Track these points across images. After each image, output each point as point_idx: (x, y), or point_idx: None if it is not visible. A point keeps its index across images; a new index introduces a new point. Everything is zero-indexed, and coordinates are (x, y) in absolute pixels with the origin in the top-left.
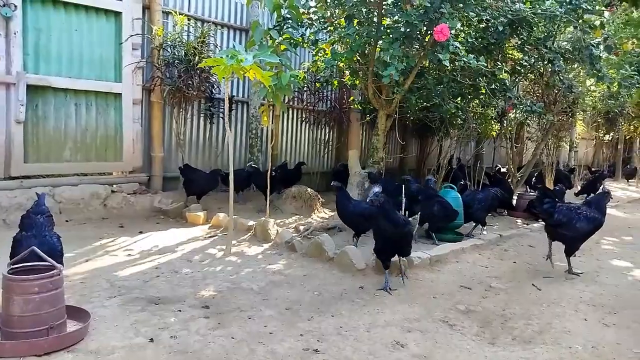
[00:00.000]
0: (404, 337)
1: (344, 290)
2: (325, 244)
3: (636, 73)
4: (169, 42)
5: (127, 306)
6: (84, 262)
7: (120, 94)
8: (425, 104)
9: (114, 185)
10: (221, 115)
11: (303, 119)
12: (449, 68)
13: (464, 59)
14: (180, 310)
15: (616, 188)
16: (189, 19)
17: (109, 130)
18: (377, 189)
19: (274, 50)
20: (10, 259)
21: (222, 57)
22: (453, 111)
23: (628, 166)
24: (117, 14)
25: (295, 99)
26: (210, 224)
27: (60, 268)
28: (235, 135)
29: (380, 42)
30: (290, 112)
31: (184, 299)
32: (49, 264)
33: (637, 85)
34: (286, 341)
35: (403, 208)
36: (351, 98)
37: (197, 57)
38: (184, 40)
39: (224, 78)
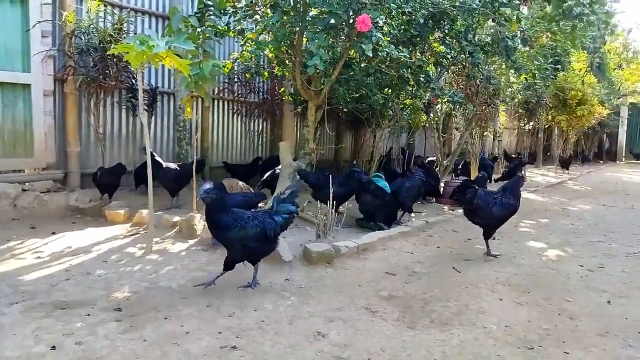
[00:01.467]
0: (326, 327)
1: (270, 284)
2: None
3: (552, 65)
4: (82, 29)
5: (30, 312)
6: None
7: (29, 85)
8: (354, 95)
9: (26, 184)
10: (145, 107)
11: (235, 110)
12: (374, 59)
13: (387, 49)
14: (89, 315)
15: (536, 174)
16: (105, 5)
17: (17, 124)
18: (207, 185)
19: (193, 37)
20: None
21: (132, 43)
22: (382, 102)
23: (549, 153)
24: None
25: (226, 90)
26: (133, 222)
27: None
28: (162, 128)
29: (306, 32)
30: (221, 103)
31: (94, 302)
32: None
33: (552, 77)
34: (203, 340)
35: (331, 198)
36: (282, 89)
37: (113, 45)
38: (99, 27)
39: (138, 66)
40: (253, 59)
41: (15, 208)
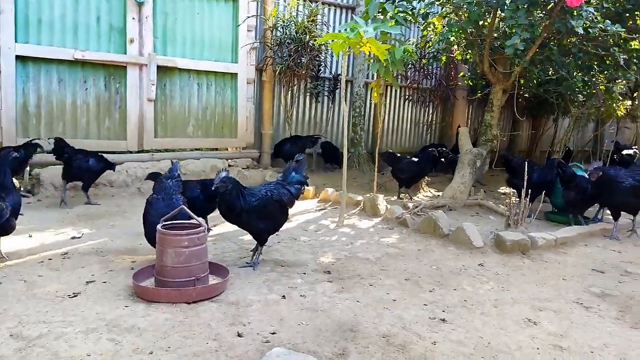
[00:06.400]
0: (536, 315)
1: (463, 266)
2: (440, 221)
3: None
4: (281, 23)
5: (257, 266)
6: (211, 226)
7: (236, 74)
8: (549, 77)
9: (230, 160)
10: (326, 94)
11: (406, 97)
12: (575, 37)
13: (600, 25)
14: (305, 273)
15: None
16: None
17: (225, 109)
18: (223, 173)
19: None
20: (143, 218)
21: (340, 32)
22: (580, 85)
23: None
24: None
25: (400, 76)
26: (319, 198)
27: (205, 226)
28: (339, 114)
29: (501, 11)
30: (393, 90)
31: (306, 264)
32: (195, 222)
33: None
34: (411, 309)
35: (524, 187)
36: (461, 74)
37: (307, 36)
38: (296, 20)
39: (340, 53)
40: (444, 43)
41: None
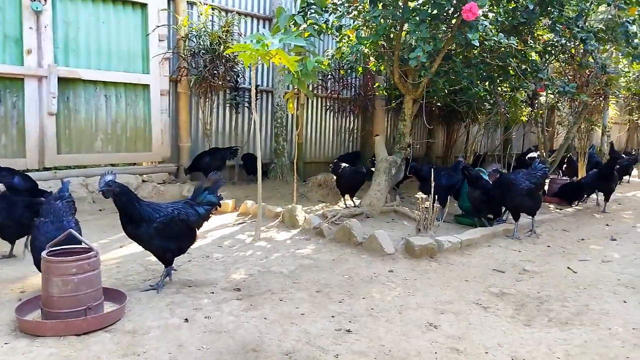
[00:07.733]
0: (437, 319)
1: (374, 274)
2: (354, 229)
3: None
4: (195, 33)
5: (162, 289)
6: (117, 248)
7: (148, 85)
8: (452, 87)
9: (144, 175)
10: (246, 104)
11: (327, 107)
12: (477, 49)
13: (494, 38)
14: (213, 293)
15: None
16: (213, 9)
17: (138, 122)
18: (109, 177)
19: (299, 35)
20: (30, 244)
21: (248, 43)
22: (482, 94)
23: None
24: (143, 6)
25: (320, 87)
26: (239, 212)
27: (97, 250)
28: (260, 125)
29: (407, 24)
30: (315, 100)
31: (216, 282)
32: (86, 246)
33: None
34: (318, 322)
35: (432, 192)
36: (376, 84)
37: (222, 47)
38: (209, 30)
39: (250, 65)
40: (355, 54)
41: None
